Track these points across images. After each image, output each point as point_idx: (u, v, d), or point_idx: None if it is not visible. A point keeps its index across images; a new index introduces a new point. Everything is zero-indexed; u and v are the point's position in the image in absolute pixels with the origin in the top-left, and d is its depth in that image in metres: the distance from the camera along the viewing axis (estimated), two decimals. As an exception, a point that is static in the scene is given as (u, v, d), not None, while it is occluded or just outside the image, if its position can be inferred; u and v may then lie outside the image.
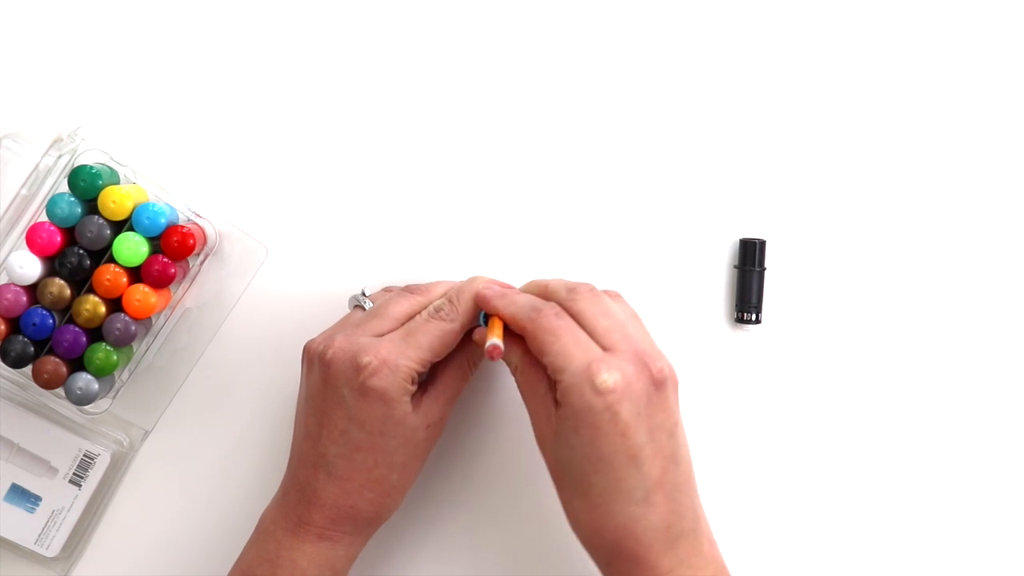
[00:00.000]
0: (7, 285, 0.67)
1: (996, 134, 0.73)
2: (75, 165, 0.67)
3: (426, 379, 0.65)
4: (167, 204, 0.69)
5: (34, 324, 0.67)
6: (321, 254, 0.72)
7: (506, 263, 0.71)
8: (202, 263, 0.71)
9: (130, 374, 0.70)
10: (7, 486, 0.71)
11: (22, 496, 0.71)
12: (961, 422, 0.73)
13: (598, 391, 0.59)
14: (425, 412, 0.64)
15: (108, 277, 0.67)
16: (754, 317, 0.72)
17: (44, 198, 0.68)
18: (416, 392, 0.64)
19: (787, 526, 0.72)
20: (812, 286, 0.73)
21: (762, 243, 0.72)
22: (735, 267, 0.72)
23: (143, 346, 0.70)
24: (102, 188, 0.67)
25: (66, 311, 0.68)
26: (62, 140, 0.69)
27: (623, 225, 0.73)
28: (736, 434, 0.73)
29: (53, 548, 0.71)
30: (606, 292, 0.64)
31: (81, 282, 0.68)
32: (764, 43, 0.73)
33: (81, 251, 0.67)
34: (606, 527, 0.60)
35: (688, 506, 0.61)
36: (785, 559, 0.72)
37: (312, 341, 0.65)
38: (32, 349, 0.67)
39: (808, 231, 0.73)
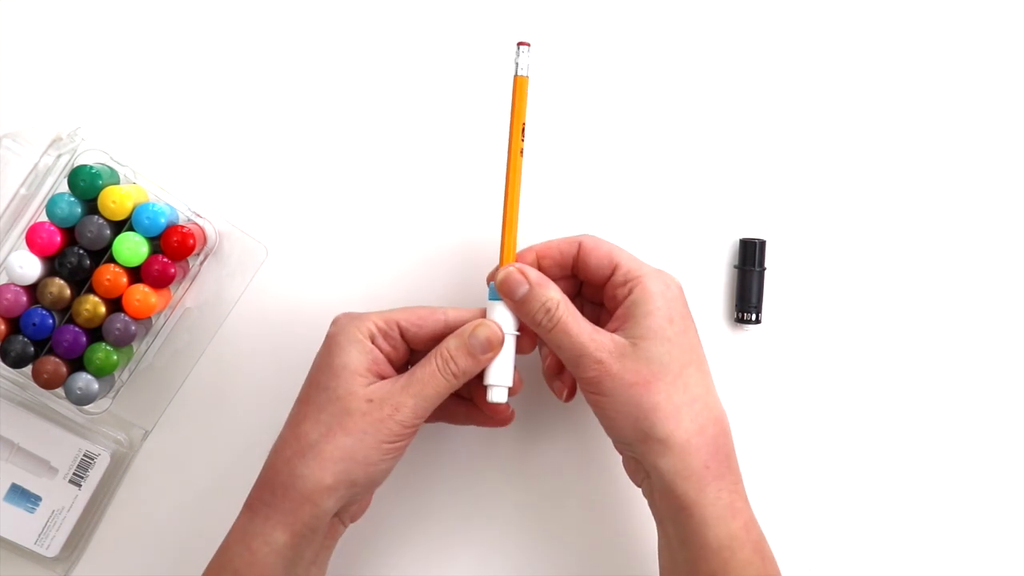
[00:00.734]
0: (7, 285, 0.67)
1: (996, 134, 0.73)
2: (75, 165, 0.67)
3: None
4: (167, 204, 0.69)
5: (34, 324, 0.67)
6: (321, 254, 0.72)
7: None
8: (202, 263, 0.71)
9: (130, 374, 0.70)
10: (7, 486, 0.71)
11: (22, 496, 0.71)
12: (961, 422, 0.73)
13: (676, 284, 0.64)
14: (376, 387, 0.62)
15: (108, 277, 0.67)
16: (754, 317, 0.72)
17: (44, 198, 0.68)
18: (387, 371, 0.63)
19: (787, 526, 0.72)
20: (812, 286, 0.73)
21: (762, 243, 0.72)
22: (735, 267, 0.72)
23: (143, 346, 0.70)
24: (102, 188, 0.67)
25: (66, 311, 0.68)
26: (62, 140, 0.69)
27: (623, 225, 0.73)
28: (736, 434, 0.72)
29: (53, 548, 0.71)
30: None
31: (81, 282, 0.68)
32: (764, 44, 0.73)
33: (81, 251, 0.67)
34: (709, 419, 0.62)
35: None
36: (785, 559, 0.72)
37: None
38: (32, 349, 0.67)
39: (808, 231, 0.73)
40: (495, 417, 0.66)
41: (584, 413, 0.68)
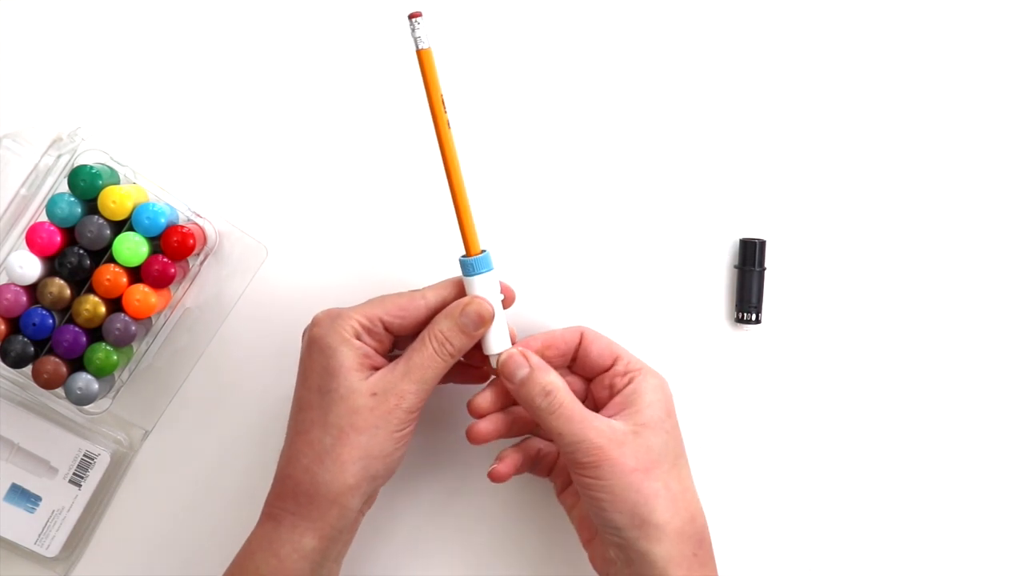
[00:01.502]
0: (7, 285, 0.67)
1: (996, 134, 0.73)
2: (75, 165, 0.67)
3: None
4: (167, 204, 0.69)
5: (34, 324, 0.67)
6: (321, 254, 0.72)
7: (507, 263, 0.71)
8: (202, 263, 0.71)
9: (130, 374, 0.70)
10: (7, 486, 0.71)
11: (22, 496, 0.71)
12: (961, 422, 0.73)
13: (667, 385, 0.66)
14: (376, 379, 0.62)
15: (108, 277, 0.67)
16: (754, 317, 0.72)
17: (44, 198, 0.68)
18: (379, 361, 0.63)
19: (787, 526, 0.72)
20: (812, 286, 0.73)
21: (762, 243, 0.72)
22: (735, 267, 0.72)
23: (143, 346, 0.70)
24: (102, 188, 0.67)
25: (66, 311, 0.68)
26: (62, 140, 0.69)
27: (623, 225, 0.73)
28: (736, 434, 0.73)
29: (53, 548, 0.71)
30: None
31: (81, 282, 0.68)
32: (764, 44, 0.73)
33: (81, 251, 0.67)
34: (698, 510, 0.64)
35: None
36: (785, 559, 0.72)
37: None
38: (32, 349, 0.67)
39: (808, 231, 0.73)
40: (484, 373, 0.67)
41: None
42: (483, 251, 0.64)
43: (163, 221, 0.68)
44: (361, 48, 0.73)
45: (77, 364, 0.68)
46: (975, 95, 0.73)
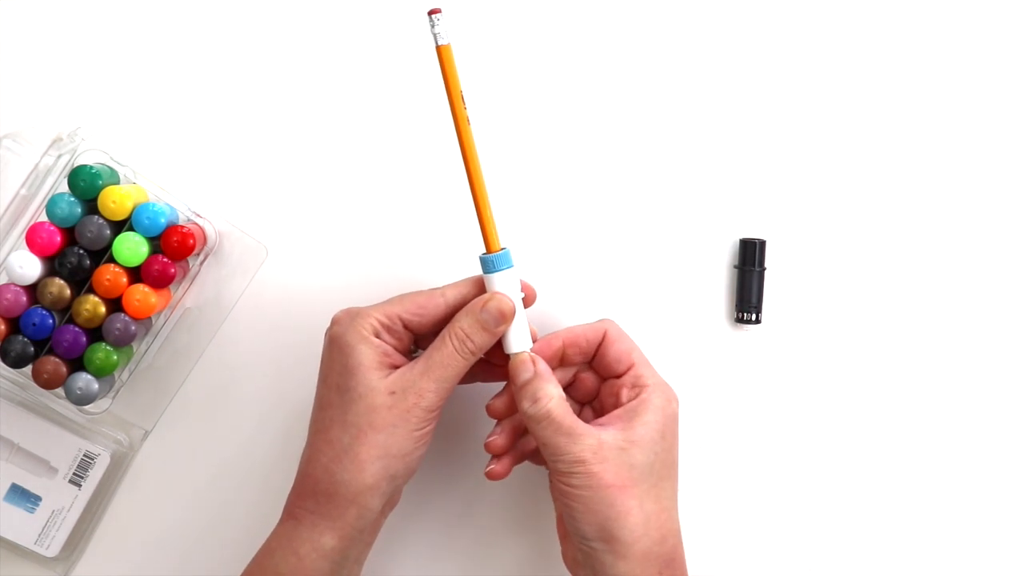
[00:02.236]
0: (7, 285, 0.67)
1: (996, 134, 0.73)
2: (75, 165, 0.67)
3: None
4: (167, 204, 0.69)
5: (34, 324, 0.67)
6: (321, 254, 0.72)
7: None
8: (202, 263, 0.71)
9: (130, 374, 0.70)
10: (7, 486, 0.71)
11: (22, 496, 0.71)
12: (961, 422, 0.73)
13: (676, 401, 0.65)
14: (395, 377, 0.62)
15: (108, 277, 0.67)
16: (754, 317, 0.72)
17: (44, 198, 0.68)
18: (399, 359, 0.63)
19: (787, 526, 0.72)
20: (812, 286, 0.73)
21: (762, 243, 0.72)
22: (735, 267, 0.72)
23: (143, 346, 0.70)
24: (102, 188, 0.67)
25: (66, 311, 0.68)
26: (62, 140, 0.69)
27: (624, 225, 0.73)
28: (736, 434, 0.73)
29: (53, 548, 0.71)
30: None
31: (81, 282, 0.68)
32: (764, 43, 0.73)
33: (81, 251, 0.67)
34: (671, 531, 0.62)
35: None
36: (784, 559, 0.72)
37: None
38: (32, 349, 0.67)
39: (808, 231, 0.73)
40: (504, 371, 0.66)
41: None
42: (503, 248, 0.64)
43: (163, 221, 0.68)
44: (361, 48, 0.73)
45: (77, 364, 0.68)
46: (975, 95, 0.73)
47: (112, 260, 0.67)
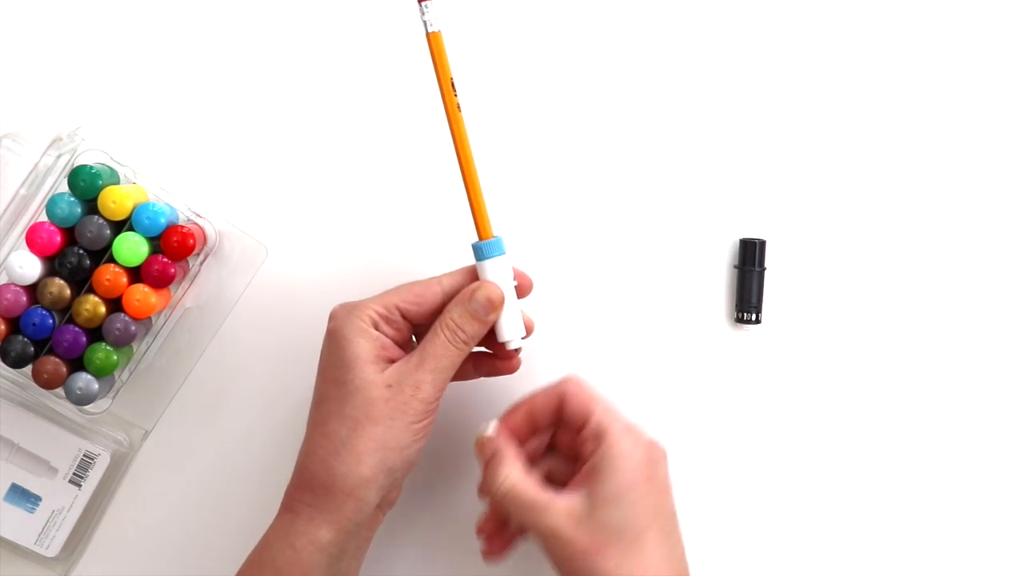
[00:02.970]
0: (7, 285, 0.67)
1: (996, 134, 0.73)
2: (75, 165, 0.67)
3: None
4: (167, 204, 0.69)
5: (34, 324, 0.67)
6: (321, 254, 0.72)
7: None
8: (202, 263, 0.71)
9: (130, 374, 0.70)
10: (7, 486, 0.71)
11: (22, 496, 0.71)
12: (961, 422, 0.73)
13: (650, 445, 0.62)
14: (392, 371, 0.61)
15: (108, 277, 0.67)
16: (754, 317, 0.72)
17: (44, 198, 0.68)
18: (396, 352, 0.63)
19: (787, 526, 0.72)
20: (812, 286, 0.73)
21: (762, 243, 0.72)
22: (735, 267, 0.72)
23: (143, 346, 0.70)
24: (102, 188, 0.67)
25: (66, 311, 0.68)
26: (62, 140, 0.69)
27: (624, 225, 0.73)
28: (736, 434, 0.73)
29: (53, 548, 0.71)
30: None
31: (81, 282, 0.68)
32: (764, 43, 0.73)
33: (81, 251, 0.67)
34: None
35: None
36: (784, 559, 0.72)
37: None
38: (32, 349, 0.67)
39: (808, 231, 0.73)
40: (508, 365, 0.66)
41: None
42: (495, 236, 0.64)
43: (163, 221, 0.68)
44: (360, 48, 0.73)
45: (77, 364, 0.68)
46: (975, 95, 0.73)
47: (112, 260, 0.67)
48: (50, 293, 0.67)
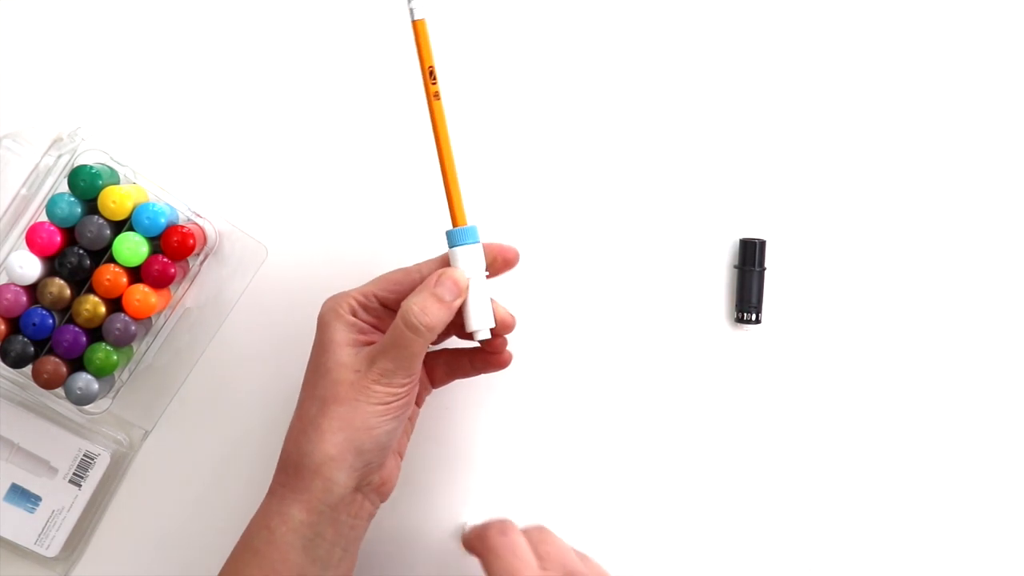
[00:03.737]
0: (7, 285, 0.67)
1: (996, 134, 0.73)
2: (75, 165, 0.67)
3: None
4: (167, 204, 0.69)
5: (34, 324, 0.67)
6: (321, 254, 0.72)
7: (506, 263, 0.71)
8: (202, 263, 0.71)
9: (130, 374, 0.70)
10: (7, 486, 0.71)
11: (22, 496, 0.71)
12: (961, 422, 0.73)
13: None
14: (363, 354, 0.62)
15: (108, 277, 0.67)
16: (754, 317, 0.72)
17: (44, 198, 0.68)
18: (375, 338, 0.64)
19: (787, 526, 0.72)
20: (812, 286, 0.73)
21: (762, 243, 0.72)
22: (735, 267, 0.72)
23: (143, 346, 0.70)
24: (102, 188, 0.67)
25: (66, 311, 0.68)
26: (62, 140, 0.69)
27: (623, 225, 0.73)
28: (736, 434, 0.73)
29: (53, 548, 0.71)
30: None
31: (81, 282, 0.68)
32: (764, 43, 0.73)
33: (81, 251, 0.67)
34: None
35: None
36: (784, 559, 0.72)
37: None
38: (32, 349, 0.67)
39: (808, 231, 0.73)
40: (497, 359, 0.67)
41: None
42: (470, 225, 0.64)
43: (163, 221, 0.68)
44: (359, 48, 0.73)
45: (77, 364, 0.68)
46: (975, 95, 0.73)
47: (112, 260, 0.67)
48: (50, 293, 0.67)
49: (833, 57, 0.73)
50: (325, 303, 0.65)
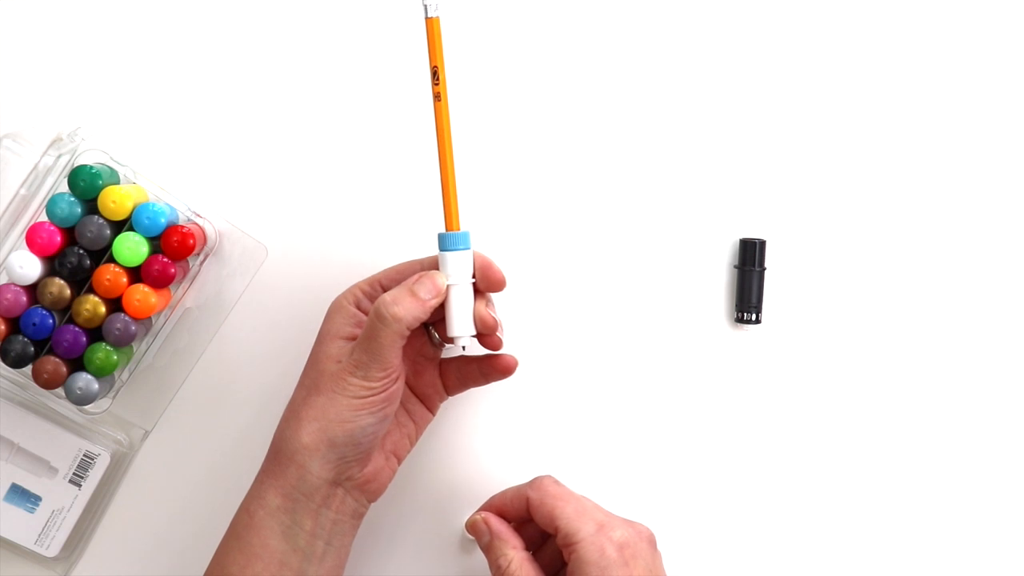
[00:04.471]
0: (7, 285, 0.67)
1: (996, 134, 0.73)
2: (75, 165, 0.67)
3: None
4: (167, 204, 0.69)
5: (34, 324, 0.67)
6: (321, 254, 0.72)
7: (506, 262, 0.71)
8: (202, 263, 0.71)
9: (130, 374, 0.70)
10: (7, 486, 0.71)
11: (22, 496, 0.71)
12: (961, 422, 0.73)
13: (618, 546, 0.62)
14: (347, 348, 0.63)
15: (108, 277, 0.67)
16: (754, 317, 0.72)
17: (44, 198, 0.68)
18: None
19: (787, 526, 0.72)
20: (812, 286, 0.73)
21: (762, 243, 0.72)
22: (735, 267, 0.72)
23: (143, 346, 0.70)
24: (102, 188, 0.67)
25: (66, 311, 0.68)
26: (62, 140, 0.69)
27: (623, 225, 0.73)
28: (736, 434, 0.73)
29: (53, 548, 0.71)
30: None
31: (81, 282, 0.68)
32: (764, 43, 0.73)
33: (81, 251, 0.67)
34: None
35: None
36: (784, 559, 0.72)
37: None
38: (32, 349, 0.67)
39: (808, 231, 0.73)
40: (502, 365, 0.67)
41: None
42: (463, 230, 0.64)
43: (163, 221, 0.68)
44: (359, 48, 0.73)
45: (77, 364, 0.68)
46: (975, 95, 0.73)
47: (112, 260, 0.67)
48: (50, 293, 0.67)
49: (833, 58, 0.73)
50: (339, 294, 0.66)
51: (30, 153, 0.69)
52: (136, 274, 0.68)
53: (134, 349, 0.70)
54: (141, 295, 0.67)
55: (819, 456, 0.73)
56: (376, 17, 0.73)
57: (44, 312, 0.67)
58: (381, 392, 0.63)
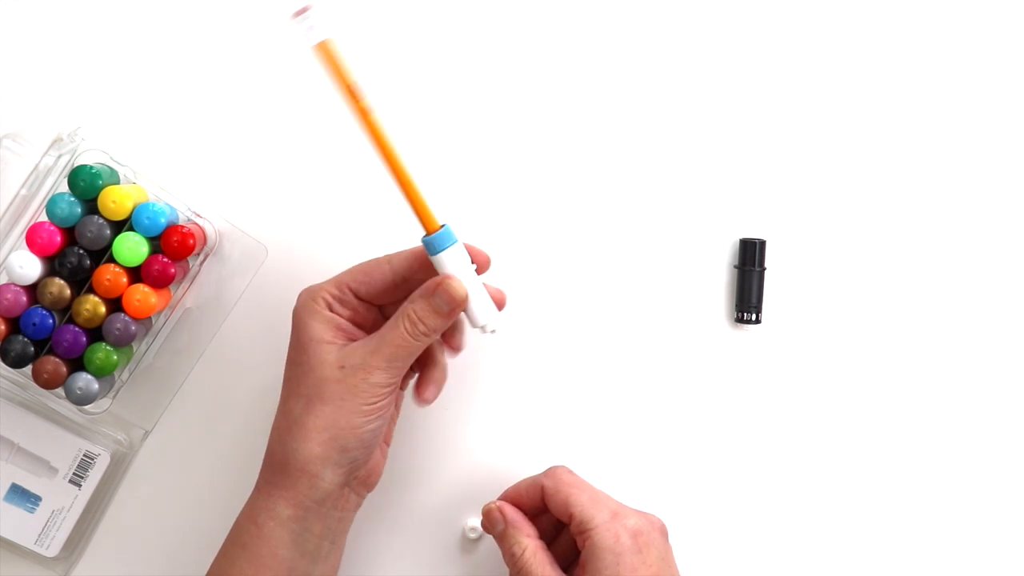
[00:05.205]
0: (7, 285, 0.67)
1: (996, 134, 0.73)
2: (75, 165, 0.67)
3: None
4: (167, 204, 0.69)
5: (34, 324, 0.67)
6: (321, 254, 0.72)
7: (506, 262, 0.71)
8: (202, 263, 0.71)
9: (130, 374, 0.70)
10: (7, 486, 0.71)
11: (22, 496, 0.71)
12: (961, 422, 0.73)
13: (632, 533, 0.63)
14: (348, 352, 0.62)
15: (108, 277, 0.67)
16: (754, 317, 0.72)
17: (44, 198, 0.68)
18: (355, 332, 0.64)
19: (787, 526, 0.72)
20: (812, 286, 0.73)
21: (762, 243, 0.72)
22: (735, 267, 0.73)
23: (143, 346, 0.70)
24: (102, 188, 0.67)
25: (66, 311, 0.68)
26: (62, 140, 0.69)
27: (623, 225, 0.73)
28: (736, 434, 0.73)
29: (53, 548, 0.71)
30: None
31: (81, 282, 0.68)
32: (764, 43, 0.73)
33: (81, 251, 0.67)
34: None
35: None
36: (784, 559, 0.72)
37: None
38: (32, 349, 0.67)
39: (808, 231, 0.73)
40: (454, 344, 0.68)
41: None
42: (442, 226, 0.63)
43: (163, 221, 0.68)
44: (360, 47, 0.73)
45: (77, 364, 0.68)
46: (975, 95, 0.73)
47: (112, 260, 0.67)
48: (50, 293, 0.67)
49: (833, 58, 0.73)
50: (300, 297, 0.64)
51: (30, 153, 0.69)
52: (136, 274, 0.68)
53: (134, 349, 0.70)
54: (141, 295, 0.67)
55: (819, 455, 0.73)
56: (376, 17, 0.73)
57: (44, 312, 0.67)
58: (391, 395, 0.63)
